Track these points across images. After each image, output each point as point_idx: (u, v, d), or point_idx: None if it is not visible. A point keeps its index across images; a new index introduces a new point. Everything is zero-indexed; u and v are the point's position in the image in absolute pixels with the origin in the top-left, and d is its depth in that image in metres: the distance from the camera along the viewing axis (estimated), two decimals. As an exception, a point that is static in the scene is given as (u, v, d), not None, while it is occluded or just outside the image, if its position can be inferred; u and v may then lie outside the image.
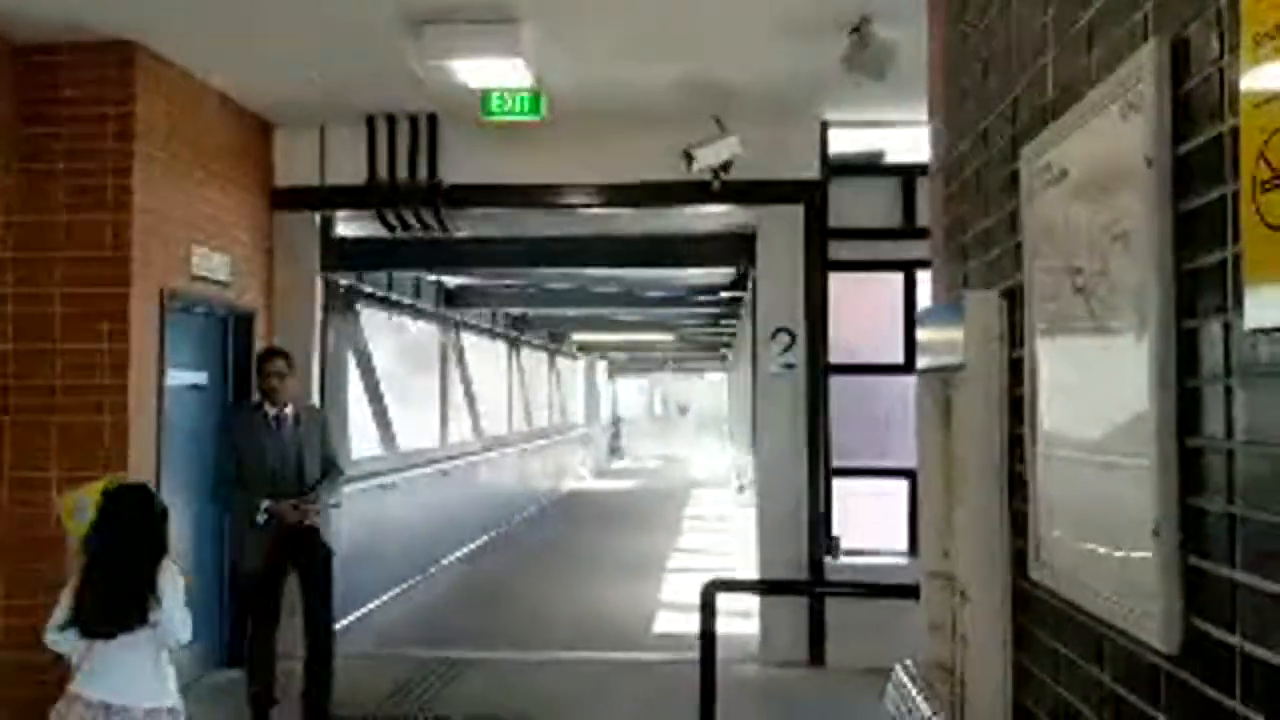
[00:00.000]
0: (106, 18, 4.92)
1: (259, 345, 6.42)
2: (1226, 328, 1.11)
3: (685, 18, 4.87)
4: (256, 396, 5.44)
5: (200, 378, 6.12)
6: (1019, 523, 1.90)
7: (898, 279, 6.46)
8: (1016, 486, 1.93)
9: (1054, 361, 1.68)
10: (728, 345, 17.88)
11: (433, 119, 6.46)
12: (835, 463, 6.46)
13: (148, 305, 5.27)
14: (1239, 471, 1.09)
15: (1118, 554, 1.39)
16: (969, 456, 2.09)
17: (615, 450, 28.66)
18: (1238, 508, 1.09)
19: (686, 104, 5.93)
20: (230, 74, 5.78)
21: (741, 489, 13.40)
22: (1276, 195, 0.97)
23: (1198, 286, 1.18)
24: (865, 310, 6.64)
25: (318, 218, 6.87)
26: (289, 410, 5.26)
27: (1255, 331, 1.03)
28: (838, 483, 6.49)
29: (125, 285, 5.12)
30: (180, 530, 5.75)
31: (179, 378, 5.75)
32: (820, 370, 6.42)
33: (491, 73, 5.14)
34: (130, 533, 3.50)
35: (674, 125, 5.99)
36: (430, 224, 6.77)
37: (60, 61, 5.15)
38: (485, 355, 13.67)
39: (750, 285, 7.47)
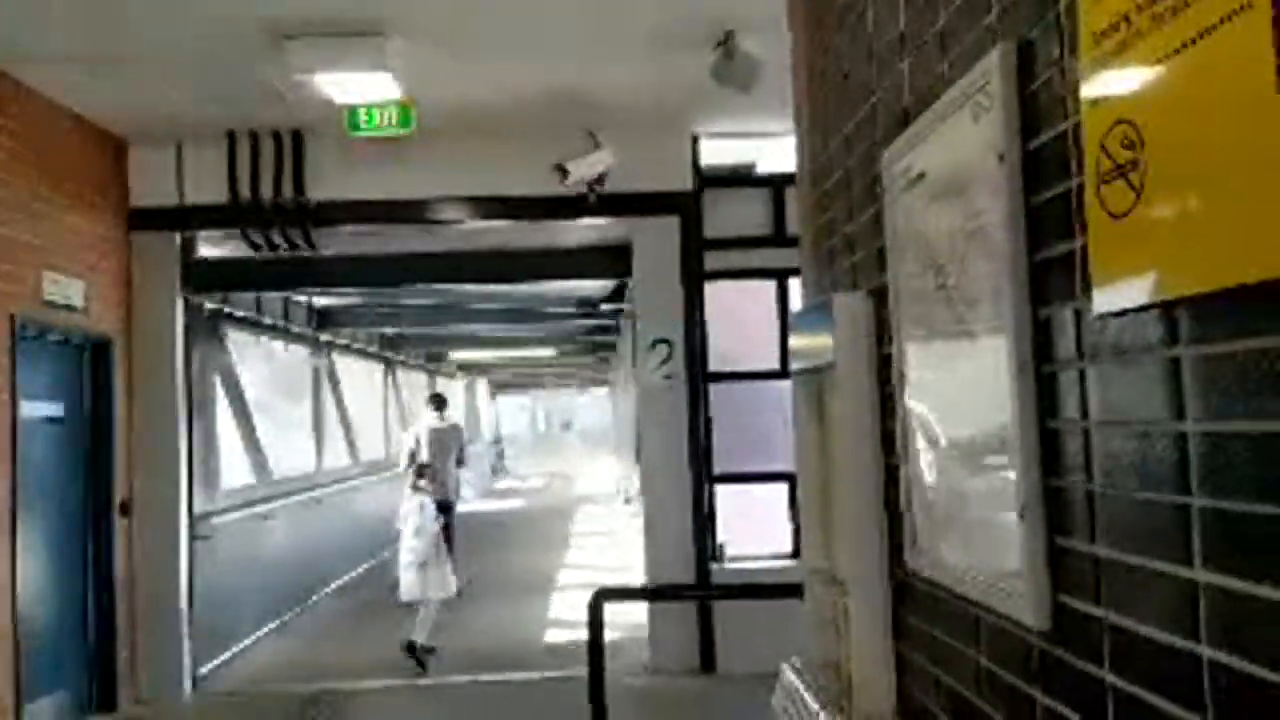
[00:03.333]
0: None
1: (117, 372, 6.12)
2: (1077, 314, 1.17)
3: (554, 31, 4.88)
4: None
5: (56, 409, 5.78)
6: (895, 516, 1.95)
7: (771, 286, 6.61)
8: (891, 481, 1.98)
9: (920, 357, 1.74)
10: (609, 359, 17.94)
11: (297, 135, 6.28)
12: (717, 469, 6.55)
13: (-4, 333, 4.95)
14: (1096, 451, 1.14)
15: (988, 538, 1.44)
16: (844, 453, 2.14)
17: (499, 469, 28.32)
18: (1096, 486, 1.14)
19: (559, 117, 5.94)
20: (80, 92, 5.51)
21: (628, 500, 13.39)
22: (1116, 186, 1.03)
23: (1049, 276, 1.24)
24: (742, 318, 6.76)
25: (178, 238, 6.58)
26: None
27: (1103, 316, 1.09)
28: (721, 489, 6.58)
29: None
30: (39, 568, 5.41)
31: (33, 409, 5.42)
32: (700, 378, 6.51)
33: (358, 87, 5.03)
34: None
35: (547, 138, 5.99)
36: (298, 243, 6.57)
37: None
38: (360, 377, 13.32)
39: (628, 296, 7.52)
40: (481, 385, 26.01)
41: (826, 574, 2.41)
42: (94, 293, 5.95)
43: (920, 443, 1.75)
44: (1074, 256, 1.17)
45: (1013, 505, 1.31)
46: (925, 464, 1.73)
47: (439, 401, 10.15)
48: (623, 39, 4.95)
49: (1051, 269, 1.24)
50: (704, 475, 6.49)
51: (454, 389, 22.02)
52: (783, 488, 6.29)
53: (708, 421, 6.54)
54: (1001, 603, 1.38)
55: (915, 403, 1.77)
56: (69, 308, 5.70)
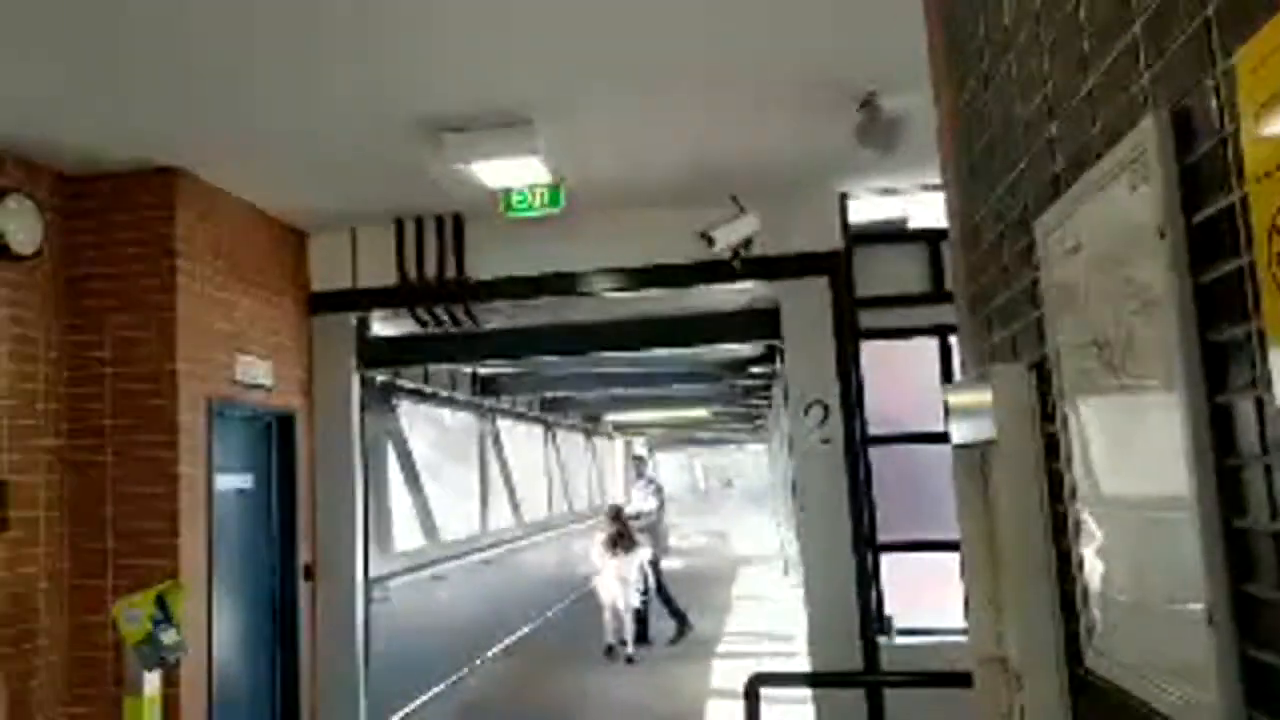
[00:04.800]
0: (147, 147, 5.12)
1: (300, 445, 6.52)
2: (1259, 403, 1.07)
3: (694, 104, 4.96)
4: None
5: (246, 481, 6.19)
6: (1070, 605, 1.82)
7: (932, 344, 6.39)
8: (1064, 565, 1.85)
9: (1087, 438, 1.63)
10: (764, 418, 17.75)
11: (457, 218, 6.61)
12: (881, 537, 6.31)
13: (195, 414, 5.39)
14: (1289, 554, 1.03)
15: (1171, 641, 1.32)
16: (1010, 536, 2.03)
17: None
18: (1292, 593, 1.03)
19: (703, 185, 6.00)
20: (263, 189, 5.97)
21: (786, 571, 13.15)
22: (1294, 268, 0.94)
23: (1225, 359, 1.14)
24: (902, 378, 6.55)
25: (353, 319, 6.99)
26: None
27: (1288, 408, 0.99)
28: (886, 558, 6.31)
29: (173, 396, 5.26)
30: (232, 632, 5.78)
31: (226, 482, 5.83)
32: (859, 442, 6.31)
33: (509, 172, 5.25)
34: None
35: (691, 205, 6.07)
36: (460, 318, 6.87)
37: (103, 189, 5.36)
38: (522, 441, 13.69)
39: (780, 359, 7.44)
40: (639, 445, 26.23)
41: (998, 662, 2.27)
42: (279, 371, 6.38)
43: (1092, 529, 1.63)
44: (1250, 339, 1.07)
45: (1198, 607, 1.20)
46: (1098, 552, 1.61)
47: (640, 464, 11.57)
48: (764, 106, 4.98)
49: (1226, 352, 1.14)
50: (867, 543, 6.25)
51: (612, 449, 22.31)
52: (953, 557, 5.95)
53: (869, 486, 6.33)
54: (1186, 715, 1.26)
55: (1084, 486, 1.65)
56: (258, 387, 6.12)
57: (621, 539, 10.51)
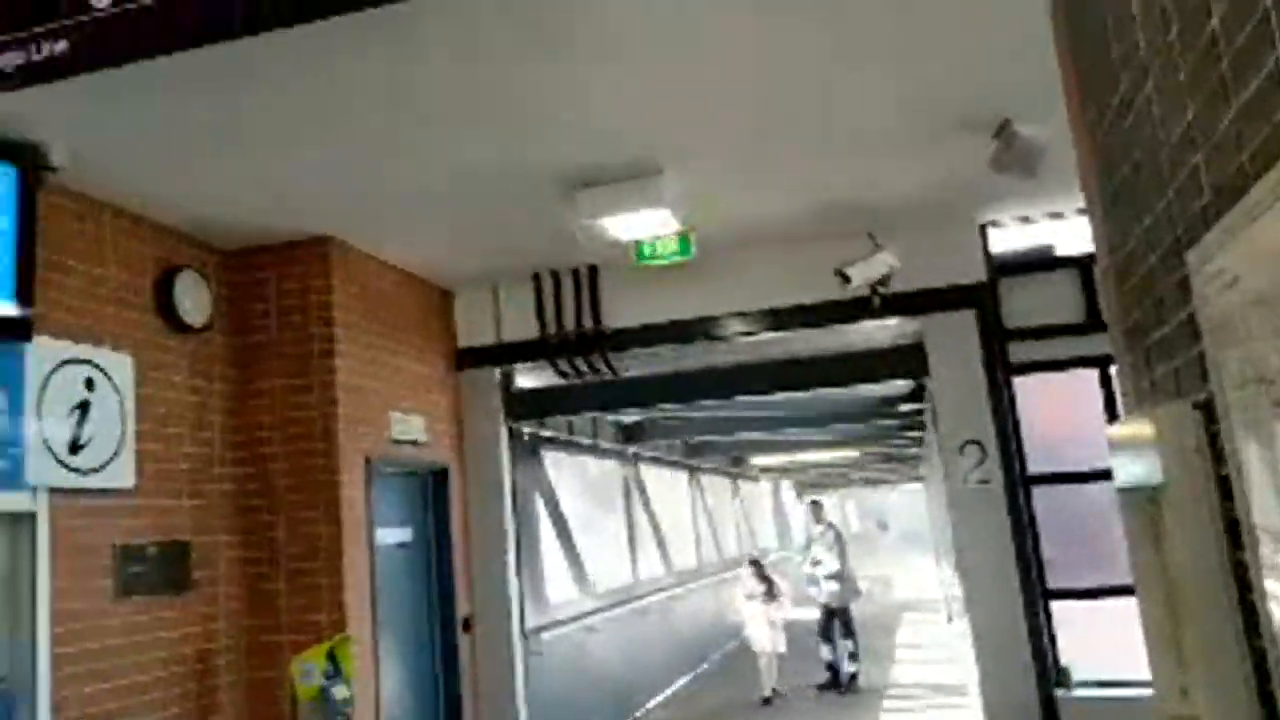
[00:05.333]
0: (303, 221, 5.47)
1: (454, 498, 6.73)
2: None
3: (822, 143, 4.92)
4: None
5: (405, 534, 6.42)
6: (1262, 661, 1.66)
7: (1092, 376, 6.04)
8: (1251, 620, 1.69)
9: (1265, 483, 1.50)
10: (917, 457, 17.16)
11: (592, 270, 6.75)
12: (1052, 582, 5.92)
13: (355, 471, 5.63)
14: None
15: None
16: (1189, 587, 1.87)
17: (813, 576, 27.61)
18: None
19: (836, 223, 5.93)
20: (411, 252, 6.27)
21: (951, 619, 12.63)
22: None
23: None
24: (1061, 413, 6.22)
25: (498, 373, 7.21)
26: None
27: None
28: (1059, 604, 5.91)
29: (334, 455, 5.50)
30: (397, 684, 5.98)
31: (387, 536, 6.05)
32: (1019, 482, 6.00)
33: (640, 224, 5.34)
34: None
35: (826, 243, 5.99)
36: (599, 368, 6.98)
37: (264, 260, 5.73)
38: (667, 487, 13.70)
39: (929, 396, 7.20)
40: (787, 488, 25.81)
41: (1181, 724, 2.09)
42: (432, 427, 6.63)
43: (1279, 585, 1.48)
44: None
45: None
46: (1285, 609, 1.46)
47: (817, 508, 11.93)
48: (895, 140, 4.89)
49: None
50: (1036, 590, 5.88)
51: (758, 493, 22.04)
52: (1131, 602, 5.50)
53: (1034, 529, 5.98)
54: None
55: (1265, 534, 1.51)
56: (412, 443, 6.37)
57: (764, 587, 10.65)
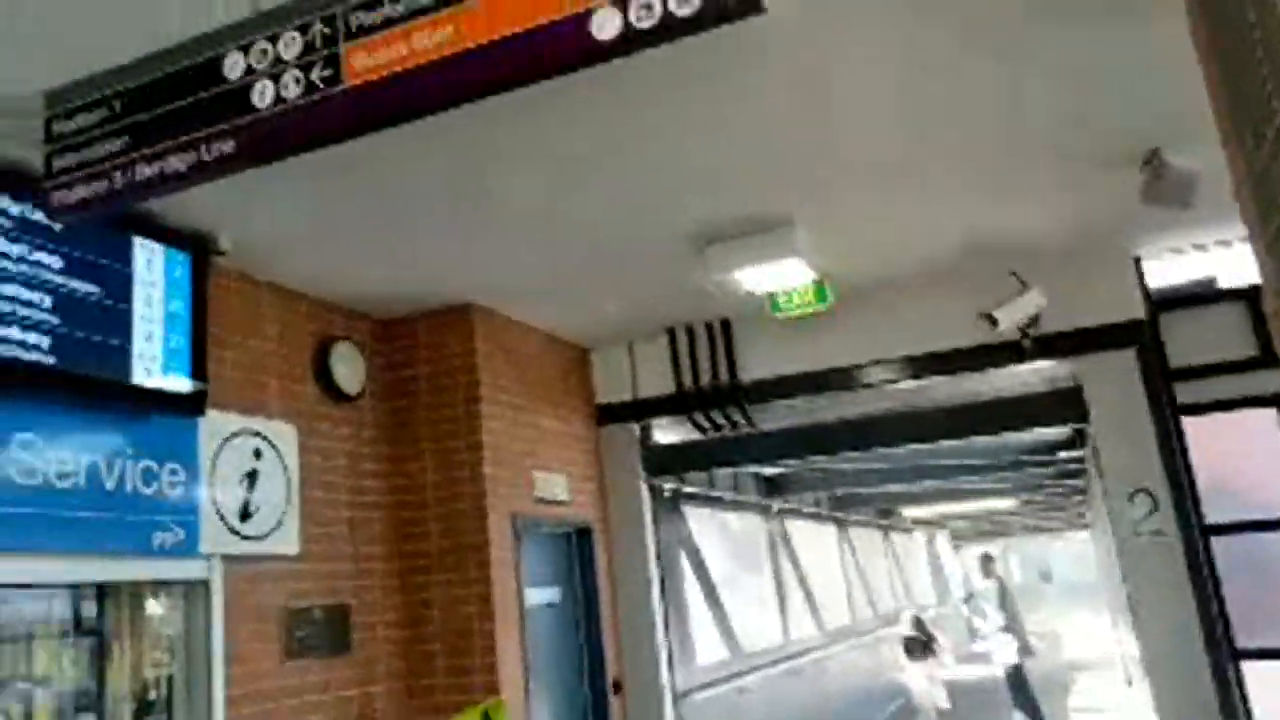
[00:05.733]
0: (448, 290, 5.72)
1: (599, 557, 6.77)
2: None
3: (962, 184, 4.79)
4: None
5: (553, 594, 6.47)
6: None
7: (1269, 415, 5.57)
8: None
9: None
10: (1081, 504, 16.20)
11: (726, 323, 6.76)
12: (1242, 642, 5.41)
13: (503, 531, 5.75)
14: None
15: None
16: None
17: (974, 630, 26.28)
18: None
19: (978, 263, 5.75)
20: (549, 315, 6.44)
21: (1129, 682, 11.82)
22: None
23: None
24: (1237, 455, 5.75)
25: (636, 429, 7.26)
26: None
27: None
28: (1249, 666, 5.40)
29: (483, 515, 5.64)
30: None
31: (535, 596, 6.11)
32: (1197, 532, 5.56)
33: (773, 275, 5.31)
34: None
35: (969, 286, 5.82)
36: (737, 421, 6.94)
37: (412, 329, 6.00)
38: (814, 541, 13.38)
39: (1089, 442, 6.81)
40: (942, 539, 24.80)
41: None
42: (574, 485, 6.71)
43: None
44: None
45: None
46: None
47: (988, 563, 11.88)
48: (1038, 176, 4.72)
49: None
50: (1224, 650, 5.37)
51: (912, 545, 21.27)
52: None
53: (1216, 582, 5.50)
54: None
55: None
56: (556, 502, 6.47)
57: (922, 644, 10.44)
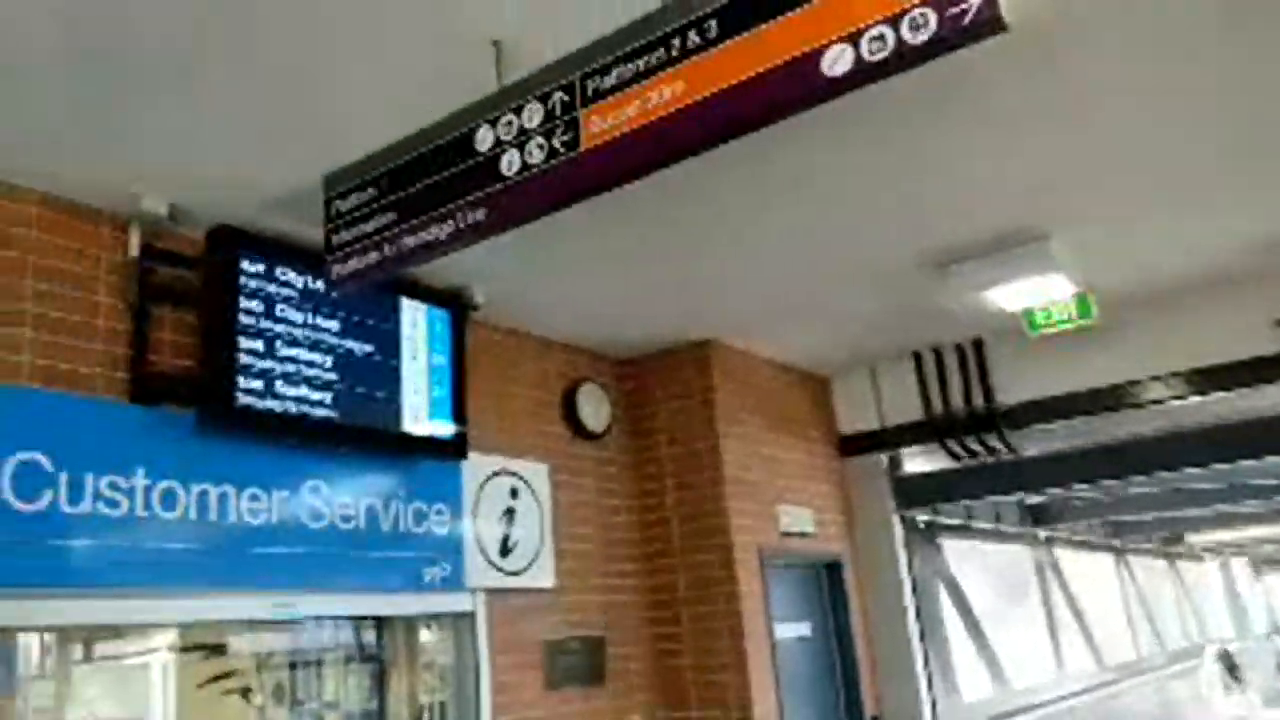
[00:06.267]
0: (686, 328, 5.79)
1: (851, 590, 6.57)
2: None
3: (1249, 181, 4.27)
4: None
5: (804, 629, 6.36)
6: None
7: None
8: None
9: None
10: None
11: (977, 344, 6.39)
12: None
13: (749, 565, 5.73)
14: None
15: None
16: None
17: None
18: None
19: (1270, 265, 5.10)
20: (786, 346, 6.37)
21: None
22: None
23: None
24: None
25: (884, 458, 7.01)
26: None
27: None
28: None
29: (729, 549, 5.65)
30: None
31: (786, 630, 6.04)
32: None
33: (1029, 291, 4.97)
34: None
35: (1259, 291, 5.17)
36: (995, 447, 6.52)
37: (651, 367, 6.13)
38: (1088, 570, 12.35)
39: None
40: (1238, 565, 22.15)
41: None
42: (820, 517, 6.57)
43: None
44: None
45: None
46: None
47: None
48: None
49: None
50: None
51: (1203, 574, 19.16)
52: None
53: None
54: None
55: None
56: (801, 534, 6.36)
57: (1232, 674, 9.34)
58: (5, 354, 3.35)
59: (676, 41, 2.42)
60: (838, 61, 2.19)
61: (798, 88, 2.24)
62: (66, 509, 3.35)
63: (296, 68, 2.95)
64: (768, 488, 6.14)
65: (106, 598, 3.44)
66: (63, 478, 3.36)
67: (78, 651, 3.91)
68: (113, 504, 3.48)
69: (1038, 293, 5.02)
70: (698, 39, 2.39)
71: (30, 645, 3.55)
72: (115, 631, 3.93)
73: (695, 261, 4.76)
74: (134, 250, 3.72)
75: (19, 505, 3.25)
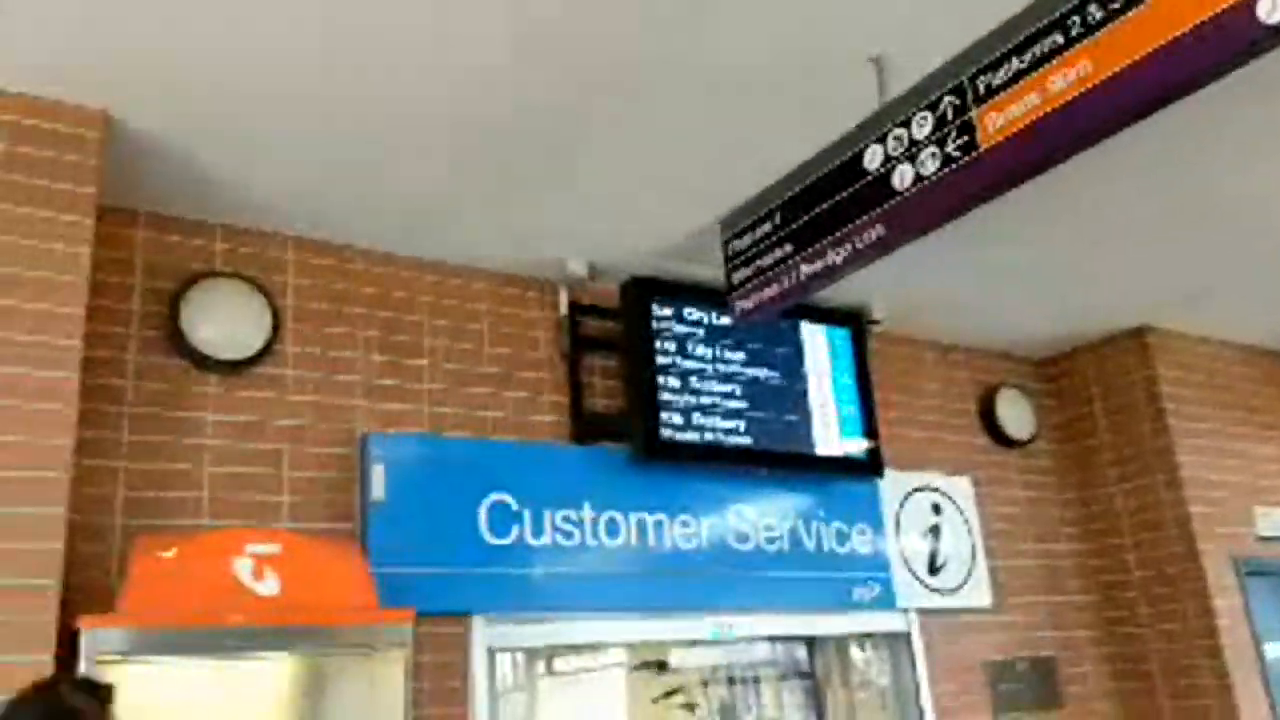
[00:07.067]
0: (1115, 317, 5.27)
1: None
2: None
3: None
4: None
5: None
6: None
7: None
8: None
9: None
10: None
11: None
12: None
13: (1222, 575, 5.10)
14: None
15: None
16: None
17: None
18: None
19: None
20: (1251, 325, 5.57)
21: None
22: None
23: None
24: None
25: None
26: None
27: None
28: None
29: (1195, 558, 5.06)
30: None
31: (1276, 650, 5.23)
32: None
33: None
34: None
35: None
36: None
37: (1079, 364, 5.62)
38: None
39: None
40: None
41: None
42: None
43: None
44: None
45: None
46: None
47: None
48: None
49: None
50: None
51: None
52: None
53: None
54: None
55: None
56: (1281, 539, 5.46)
57: None
58: (474, 410, 3.88)
59: (1076, 19, 2.20)
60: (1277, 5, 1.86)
61: (1230, 43, 1.94)
62: (531, 541, 3.80)
63: (684, 124, 3.10)
64: (1238, 487, 5.39)
65: (565, 620, 3.83)
66: (526, 514, 3.81)
67: (540, 666, 4.36)
68: (567, 535, 3.89)
69: None
70: (1099, 13, 2.15)
71: (503, 659, 4.00)
72: (573, 648, 4.34)
73: (1139, 236, 4.27)
74: (563, 309, 4.17)
75: (493, 540, 3.73)
